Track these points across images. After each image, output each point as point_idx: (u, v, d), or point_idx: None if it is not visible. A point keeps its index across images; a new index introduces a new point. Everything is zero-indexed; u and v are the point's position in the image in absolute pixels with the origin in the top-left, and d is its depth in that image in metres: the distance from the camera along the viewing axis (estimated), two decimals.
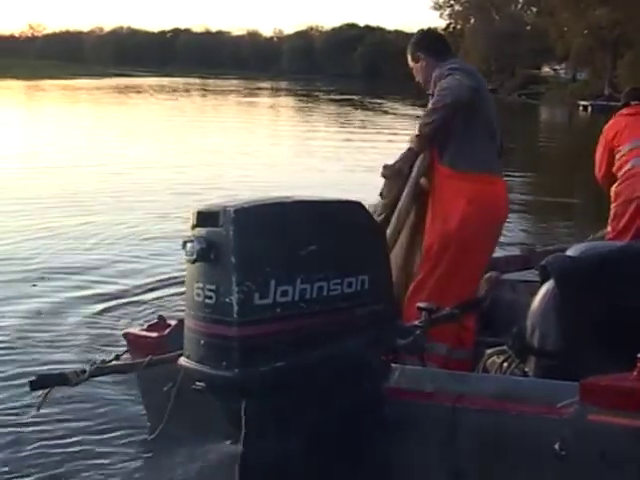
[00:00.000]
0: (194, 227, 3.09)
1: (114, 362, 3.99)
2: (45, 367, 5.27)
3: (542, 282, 3.66)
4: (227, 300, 2.93)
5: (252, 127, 29.12)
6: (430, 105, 4.51)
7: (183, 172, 15.76)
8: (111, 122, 29.10)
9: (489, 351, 3.89)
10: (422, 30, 5.20)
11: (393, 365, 3.48)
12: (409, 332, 3.50)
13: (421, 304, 3.67)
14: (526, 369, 3.65)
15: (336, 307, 3.09)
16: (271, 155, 19.46)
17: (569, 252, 3.80)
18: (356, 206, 3.26)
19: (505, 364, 3.77)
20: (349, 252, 3.14)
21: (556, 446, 3.06)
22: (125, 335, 4.38)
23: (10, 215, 10.73)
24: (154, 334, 4.19)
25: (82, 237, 9.72)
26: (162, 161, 17.50)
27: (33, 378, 3.63)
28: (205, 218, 3.05)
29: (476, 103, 4.46)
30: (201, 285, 3.03)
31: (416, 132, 4.51)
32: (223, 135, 24.83)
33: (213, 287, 2.98)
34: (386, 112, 40.82)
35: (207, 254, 2.98)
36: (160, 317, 4.34)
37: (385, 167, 4.51)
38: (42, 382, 3.64)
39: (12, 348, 5.87)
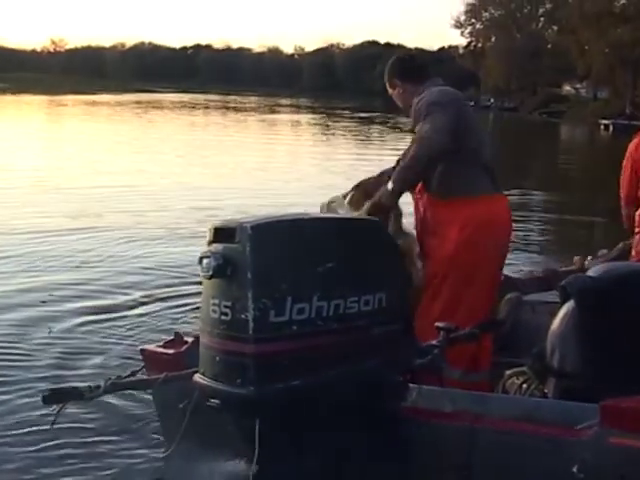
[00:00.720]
0: (210, 243, 3.06)
1: (129, 378, 3.97)
2: (61, 381, 5.27)
3: (562, 302, 3.62)
4: (243, 317, 2.91)
5: (272, 144, 29.14)
6: (406, 158, 4.33)
7: (202, 187, 15.76)
8: (131, 138, 29.18)
9: (508, 372, 3.85)
10: (396, 56, 5.05)
11: (411, 385, 3.44)
12: (427, 352, 3.46)
13: (439, 324, 3.62)
14: (546, 390, 3.61)
15: (353, 325, 3.06)
16: (291, 172, 19.49)
17: (589, 272, 3.76)
18: (374, 224, 3.24)
19: (525, 385, 3.73)
20: (366, 270, 3.11)
21: (574, 469, 3.01)
22: (141, 351, 4.34)
23: (25, 234, 10.71)
24: (171, 351, 4.15)
25: (98, 251, 9.71)
26: (181, 178, 17.50)
27: (46, 392, 3.61)
28: (222, 234, 3.03)
29: (458, 138, 4.29)
30: (217, 301, 3.01)
31: (389, 184, 4.28)
32: (243, 152, 24.85)
33: (229, 303, 2.96)
34: (405, 130, 40.80)
35: (223, 270, 2.95)
36: (177, 334, 4.31)
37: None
38: (55, 397, 3.61)
39: (27, 362, 5.86)
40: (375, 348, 3.13)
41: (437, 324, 3.61)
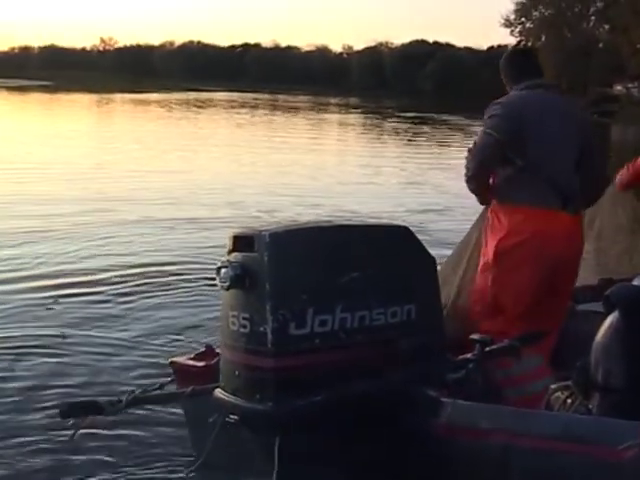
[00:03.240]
0: (230, 252, 2.92)
1: (156, 392, 3.83)
2: (83, 393, 5.16)
3: (607, 313, 3.42)
4: (262, 329, 2.76)
5: (320, 144, 28.99)
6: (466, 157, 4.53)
7: (248, 187, 15.70)
8: (178, 137, 29.26)
9: (553, 386, 3.65)
10: (506, 52, 5.02)
11: (444, 400, 3.26)
12: (461, 366, 3.28)
13: (474, 336, 3.45)
14: (590, 406, 3.42)
15: (379, 338, 2.89)
16: (336, 174, 19.26)
17: (635, 281, 3.56)
18: (403, 231, 3.05)
19: (569, 400, 3.53)
20: (394, 280, 2.94)
21: None
22: (171, 363, 4.24)
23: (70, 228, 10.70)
24: (201, 363, 4.02)
25: (137, 255, 9.61)
26: (227, 177, 17.45)
27: (64, 406, 3.46)
28: (240, 243, 2.88)
29: (512, 149, 4.36)
30: (235, 313, 2.87)
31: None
32: (291, 152, 24.72)
33: (247, 315, 2.82)
34: (456, 129, 40.53)
35: (241, 281, 2.81)
36: (208, 346, 4.17)
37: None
38: (73, 410, 3.46)
39: (47, 373, 5.74)
40: (403, 362, 2.96)
41: (472, 336, 3.44)
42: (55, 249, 9.68)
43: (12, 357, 5.98)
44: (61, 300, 7.54)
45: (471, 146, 4.51)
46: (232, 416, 2.93)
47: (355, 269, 2.84)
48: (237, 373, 2.89)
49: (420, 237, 3.09)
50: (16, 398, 5.23)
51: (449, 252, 4.91)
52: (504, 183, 4.44)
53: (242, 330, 2.84)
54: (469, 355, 3.37)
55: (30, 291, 7.79)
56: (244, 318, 2.83)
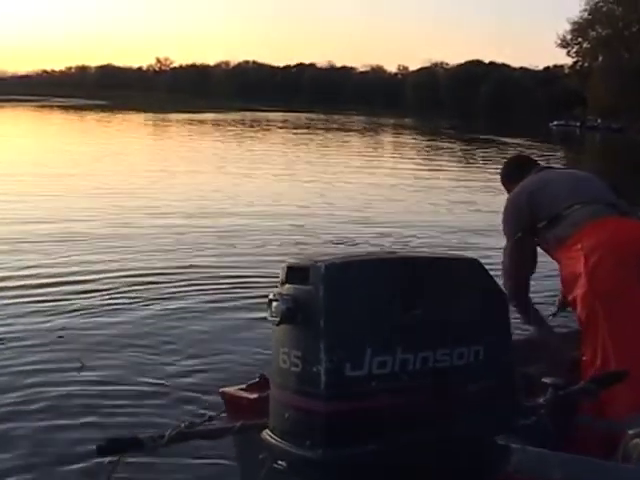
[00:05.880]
0: (283, 283, 2.67)
1: (201, 426, 3.58)
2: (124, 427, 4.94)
3: None
4: (314, 370, 2.50)
5: (374, 166, 28.75)
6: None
7: (302, 210, 15.55)
8: (234, 156, 29.33)
9: (631, 432, 3.33)
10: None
11: (513, 446, 2.99)
12: (532, 411, 3.00)
13: (546, 379, 3.17)
14: None
15: (443, 382, 2.62)
16: (391, 197, 18.98)
17: None
18: (472, 263, 2.78)
19: None
20: (461, 317, 2.67)
21: None
22: (222, 394, 3.99)
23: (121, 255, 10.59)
24: (253, 395, 3.76)
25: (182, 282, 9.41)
26: (282, 200, 17.29)
27: (102, 442, 3.23)
28: (294, 274, 2.63)
29: (534, 223, 4.44)
30: (286, 350, 2.62)
31: None
32: (343, 174, 24.54)
33: (299, 354, 2.56)
34: (512, 150, 40.09)
35: (293, 315, 2.56)
36: (262, 375, 3.92)
37: None
38: (111, 447, 3.22)
39: (83, 404, 5.52)
40: (469, 408, 2.69)
41: (544, 379, 3.16)
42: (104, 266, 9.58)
43: (44, 386, 5.78)
44: (102, 322, 7.38)
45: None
46: (280, 462, 2.68)
47: (419, 305, 2.58)
48: (286, 415, 2.64)
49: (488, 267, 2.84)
50: (49, 433, 5.04)
51: None
52: (550, 238, 4.39)
53: (293, 369, 2.59)
54: (541, 399, 3.09)
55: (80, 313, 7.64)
56: (295, 356, 2.58)
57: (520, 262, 4.54)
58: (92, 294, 8.26)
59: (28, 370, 6.03)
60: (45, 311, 7.56)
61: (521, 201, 4.53)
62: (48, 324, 7.18)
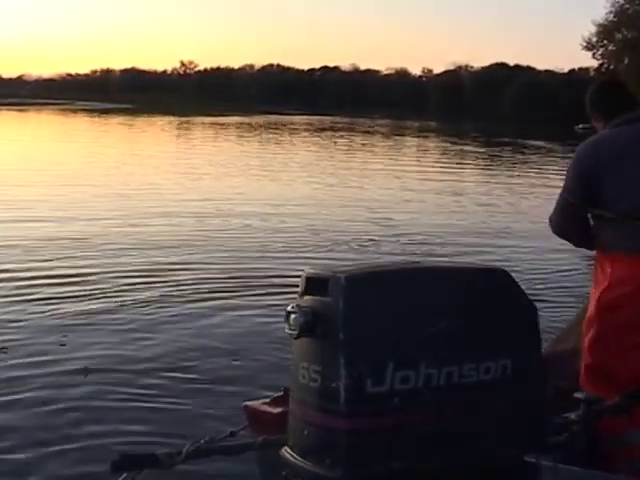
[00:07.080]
0: (302, 295, 2.56)
1: (221, 442, 3.47)
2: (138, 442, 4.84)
3: None
4: (334, 385, 2.39)
5: (398, 170, 28.63)
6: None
7: (325, 213, 15.47)
8: (256, 160, 29.31)
9: None
10: (595, 82, 4.62)
11: (545, 463, 2.86)
12: (564, 427, 2.87)
13: (578, 394, 3.04)
14: None
15: (469, 398, 2.50)
16: (413, 201, 18.87)
17: None
18: (500, 274, 2.64)
19: None
20: (488, 330, 2.54)
21: None
22: (245, 408, 3.91)
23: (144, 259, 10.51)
24: (277, 409, 3.67)
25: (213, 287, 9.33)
26: (303, 202, 17.22)
27: (116, 458, 3.12)
28: (313, 285, 2.51)
29: (593, 202, 4.02)
30: (305, 365, 2.50)
31: None
32: (367, 178, 24.44)
33: (318, 368, 2.45)
34: (537, 154, 39.89)
35: (312, 328, 2.44)
36: (286, 389, 3.81)
37: None
38: (126, 463, 3.12)
39: (101, 419, 5.42)
40: (497, 425, 2.56)
41: (576, 394, 3.03)
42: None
43: (50, 396, 5.68)
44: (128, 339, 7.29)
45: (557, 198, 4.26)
46: None
47: (443, 317, 2.46)
48: (306, 432, 2.53)
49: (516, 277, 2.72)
50: (65, 446, 4.96)
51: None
52: (600, 233, 4.06)
53: (312, 384, 2.48)
54: (573, 415, 2.96)
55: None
56: (315, 371, 2.47)
57: (564, 229, 4.25)
58: (103, 295, 8.22)
59: (33, 379, 5.95)
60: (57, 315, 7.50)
61: (589, 167, 4.03)
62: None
